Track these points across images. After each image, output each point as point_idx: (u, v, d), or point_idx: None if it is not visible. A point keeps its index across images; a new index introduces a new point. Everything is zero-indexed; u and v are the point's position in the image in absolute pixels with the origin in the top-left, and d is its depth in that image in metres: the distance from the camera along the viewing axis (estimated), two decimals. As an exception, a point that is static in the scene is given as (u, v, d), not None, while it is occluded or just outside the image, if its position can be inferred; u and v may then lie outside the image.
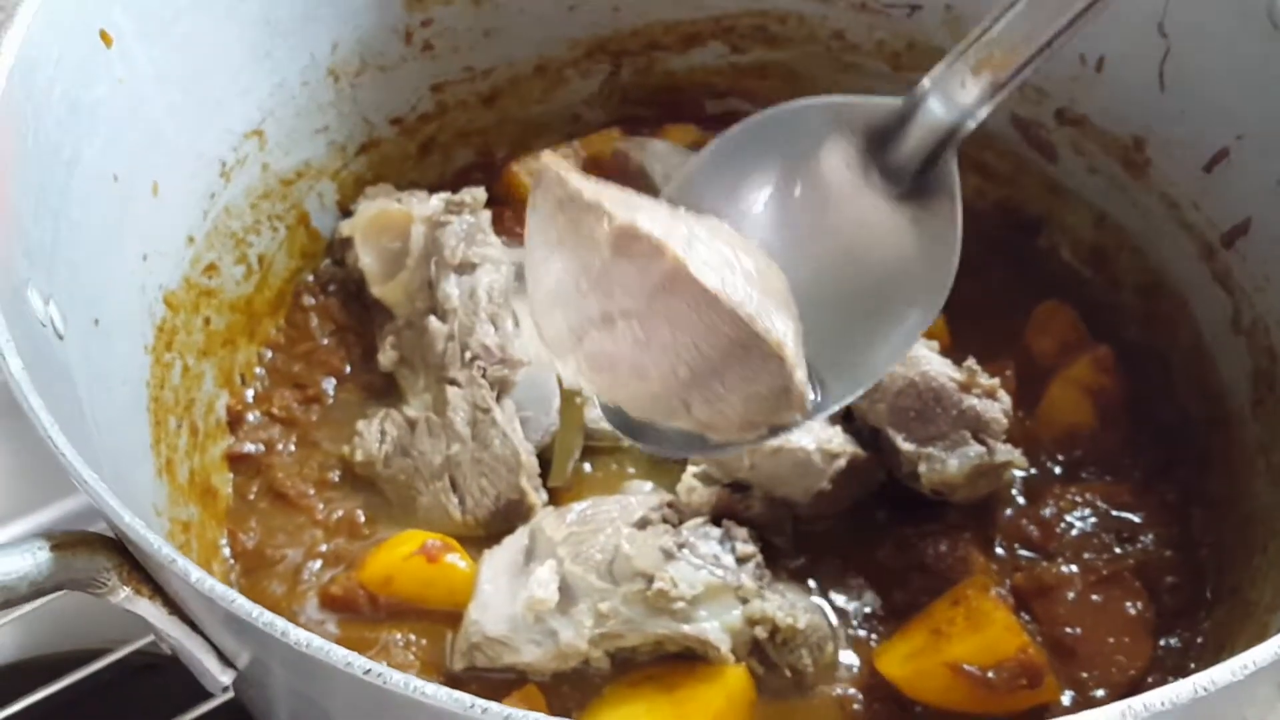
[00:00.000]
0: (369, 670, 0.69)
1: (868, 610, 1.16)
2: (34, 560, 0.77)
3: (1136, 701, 0.67)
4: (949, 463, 1.12)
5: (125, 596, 0.80)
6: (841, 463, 1.12)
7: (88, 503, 1.13)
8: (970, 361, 1.15)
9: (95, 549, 0.80)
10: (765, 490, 1.14)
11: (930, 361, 1.14)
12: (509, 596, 1.10)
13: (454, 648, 1.12)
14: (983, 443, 1.13)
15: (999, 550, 1.19)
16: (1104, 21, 1.25)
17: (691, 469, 1.15)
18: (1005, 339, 1.33)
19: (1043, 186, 1.43)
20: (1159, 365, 1.33)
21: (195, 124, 1.20)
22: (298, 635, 0.71)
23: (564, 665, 1.08)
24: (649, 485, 1.21)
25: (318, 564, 1.20)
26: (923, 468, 1.12)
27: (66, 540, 0.79)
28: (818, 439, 1.11)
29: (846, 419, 1.17)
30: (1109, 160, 1.35)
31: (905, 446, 1.12)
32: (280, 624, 0.71)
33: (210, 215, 1.25)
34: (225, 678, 0.84)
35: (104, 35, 1.07)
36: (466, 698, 0.67)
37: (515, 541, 1.16)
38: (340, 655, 0.70)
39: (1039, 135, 1.40)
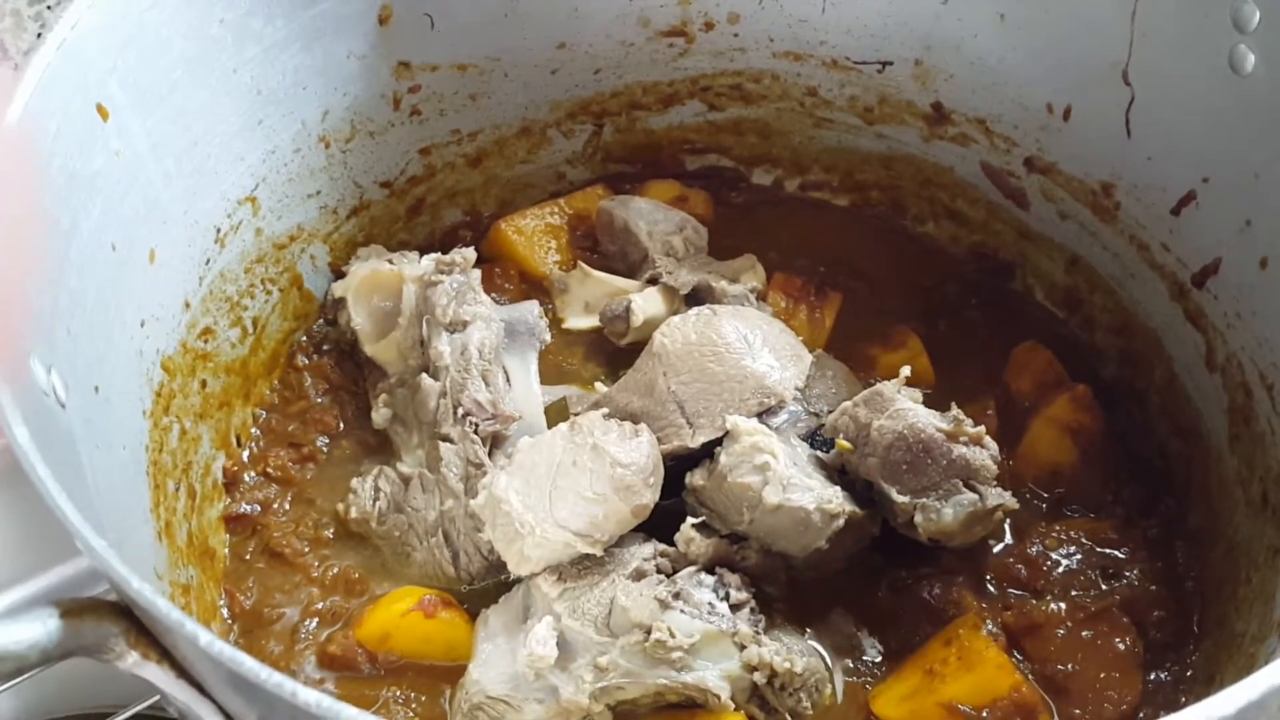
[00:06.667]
0: (379, 727, 0.70)
1: (863, 653, 1.18)
2: (44, 628, 0.78)
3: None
4: (944, 512, 1.13)
5: (133, 661, 0.81)
6: (840, 522, 1.13)
7: (87, 568, 1.14)
8: (955, 410, 1.17)
9: (103, 615, 0.81)
10: (762, 543, 1.16)
11: (916, 414, 1.16)
12: (509, 655, 1.11)
13: (454, 708, 1.13)
14: (974, 489, 1.14)
15: (989, 589, 1.21)
16: (1070, 72, 1.32)
17: (690, 520, 1.16)
18: (985, 380, 1.36)
19: (1015, 232, 1.46)
20: (1136, 403, 1.36)
21: (190, 192, 1.22)
22: (307, 696, 0.72)
23: (567, 722, 1.09)
24: (640, 536, 1.22)
25: (314, 622, 1.21)
26: (918, 518, 1.13)
27: (75, 608, 0.80)
28: (818, 499, 1.13)
29: (840, 472, 1.19)
30: (1079, 206, 1.38)
31: (900, 499, 1.14)
32: (289, 685, 0.72)
33: (206, 281, 1.27)
34: (232, 740, 0.85)
35: (100, 109, 1.09)
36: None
37: (512, 599, 1.16)
38: (351, 715, 0.71)
39: (1009, 183, 1.44)
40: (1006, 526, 1.25)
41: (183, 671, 0.83)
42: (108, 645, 0.80)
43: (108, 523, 0.95)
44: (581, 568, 1.14)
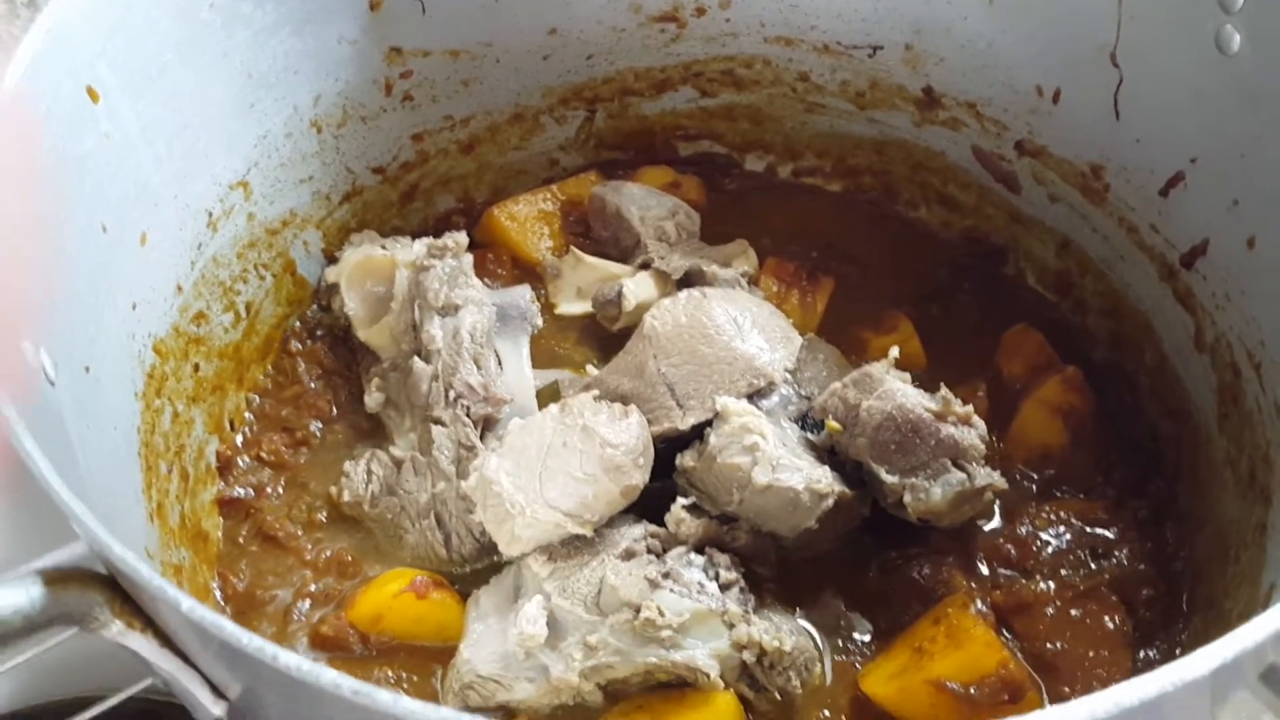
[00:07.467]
0: (357, 691, 0.71)
1: (853, 632, 1.18)
2: (27, 595, 0.78)
3: (1105, 697, 0.69)
4: (932, 491, 1.14)
5: (118, 631, 0.81)
6: (829, 502, 1.14)
7: (77, 554, 1.15)
8: (944, 391, 1.17)
9: (87, 584, 0.82)
10: (752, 524, 1.16)
11: (905, 394, 1.16)
12: (499, 634, 1.12)
13: (445, 687, 1.13)
14: (962, 469, 1.15)
15: (979, 569, 1.21)
16: (1059, 54, 1.32)
17: (681, 501, 1.17)
18: (977, 362, 1.36)
19: (1007, 216, 1.47)
20: (1126, 384, 1.36)
21: (181, 176, 1.23)
22: (287, 660, 0.72)
23: (557, 700, 1.09)
24: (631, 517, 1.23)
25: (307, 604, 1.21)
26: (907, 497, 1.14)
27: (59, 576, 0.81)
28: (807, 479, 1.13)
29: (830, 453, 1.19)
30: (1069, 188, 1.39)
31: (889, 478, 1.14)
32: (270, 649, 0.73)
33: (198, 265, 1.27)
34: (218, 709, 0.85)
35: (90, 91, 1.10)
36: (451, 712, 0.69)
37: (503, 579, 1.17)
38: (329, 677, 0.72)
39: (1000, 167, 1.44)
40: (996, 507, 1.25)
41: (167, 640, 0.84)
42: (92, 614, 0.80)
43: (97, 501, 0.94)
44: (572, 548, 1.15)
